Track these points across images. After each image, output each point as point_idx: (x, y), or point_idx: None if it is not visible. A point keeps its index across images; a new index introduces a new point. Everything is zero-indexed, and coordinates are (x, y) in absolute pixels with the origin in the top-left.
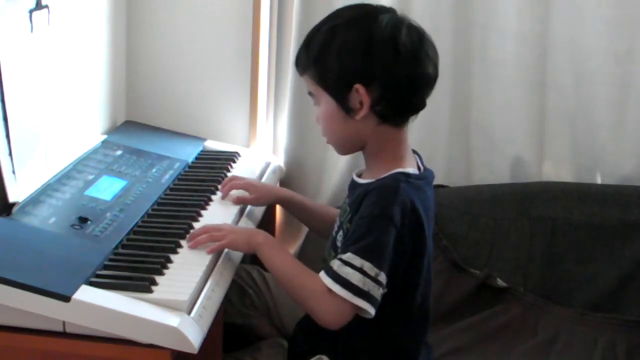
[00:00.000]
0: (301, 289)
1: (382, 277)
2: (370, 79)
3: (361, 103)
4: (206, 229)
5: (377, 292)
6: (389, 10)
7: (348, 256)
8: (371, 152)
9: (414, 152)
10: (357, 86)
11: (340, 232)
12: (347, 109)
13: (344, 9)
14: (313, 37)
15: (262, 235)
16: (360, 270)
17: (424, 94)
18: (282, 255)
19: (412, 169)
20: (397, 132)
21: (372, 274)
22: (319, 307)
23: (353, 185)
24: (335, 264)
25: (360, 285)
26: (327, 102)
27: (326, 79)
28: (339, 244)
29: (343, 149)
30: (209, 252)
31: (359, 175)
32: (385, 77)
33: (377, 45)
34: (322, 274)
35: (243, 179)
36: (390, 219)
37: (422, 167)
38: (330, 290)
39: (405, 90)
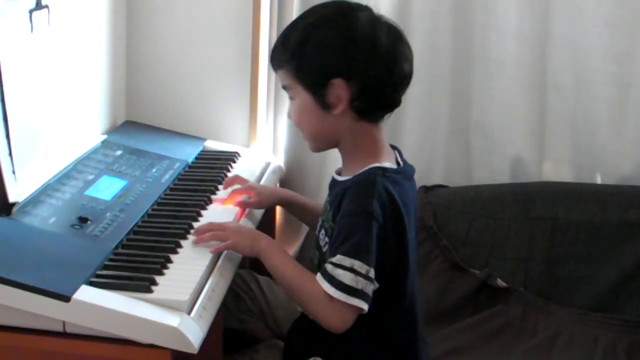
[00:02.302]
0: (302, 294)
1: (372, 273)
2: (349, 75)
3: (338, 99)
4: (211, 226)
5: (370, 289)
6: (365, 9)
7: (338, 258)
8: (347, 148)
9: (394, 147)
10: (336, 81)
11: (322, 231)
12: (323, 105)
13: (321, 6)
14: (290, 33)
15: (265, 239)
16: (351, 269)
17: (400, 92)
18: (284, 260)
19: (388, 164)
20: (373, 128)
21: (363, 271)
22: (321, 311)
23: (333, 183)
24: (329, 268)
25: (353, 284)
26: (303, 98)
27: (304, 73)
28: (321, 242)
29: (317, 145)
30: (212, 252)
31: (339, 173)
32: (363, 74)
33: (357, 43)
34: (319, 277)
35: (245, 182)
36: (370, 215)
37: (401, 162)
38: (328, 294)
39: (382, 88)
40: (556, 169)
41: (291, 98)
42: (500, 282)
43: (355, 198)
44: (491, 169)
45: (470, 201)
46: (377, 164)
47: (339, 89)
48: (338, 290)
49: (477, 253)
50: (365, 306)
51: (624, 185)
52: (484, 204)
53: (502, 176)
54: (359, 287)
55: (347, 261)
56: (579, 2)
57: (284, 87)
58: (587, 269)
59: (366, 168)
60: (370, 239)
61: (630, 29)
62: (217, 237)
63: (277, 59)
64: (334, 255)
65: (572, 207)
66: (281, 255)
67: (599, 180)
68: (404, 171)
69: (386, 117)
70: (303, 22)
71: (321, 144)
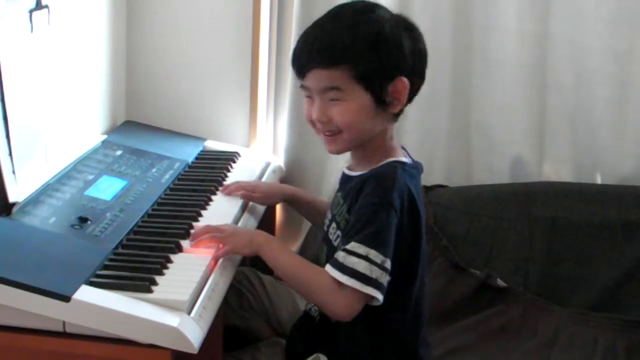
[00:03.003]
0: (309, 285)
1: (388, 264)
2: (412, 73)
3: (396, 97)
4: (207, 229)
5: (385, 279)
6: None
7: (352, 245)
8: (370, 146)
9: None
10: (402, 79)
11: (333, 225)
12: (380, 104)
13: (372, 6)
14: (359, 26)
15: (263, 236)
16: (365, 258)
17: None
18: (285, 254)
19: (404, 159)
20: (393, 126)
21: (378, 261)
22: (329, 300)
23: (345, 178)
24: (340, 255)
25: (367, 273)
26: (359, 97)
27: (372, 71)
28: (331, 237)
29: (348, 147)
30: (213, 259)
31: (349, 169)
32: (419, 72)
33: (418, 42)
34: (329, 267)
35: (249, 183)
36: (390, 206)
37: (411, 159)
38: (338, 282)
39: (419, 86)
40: (556, 169)
41: (335, 99)
42: (500, 282)
43: (375, 189)
44: (491, 169)
45: (470, 201)
46: (395, 158)
47: (401, 87)
48: (351, 278)
49: (477, 253)
50: (380, 296)
51: (624, 185)
52: (484, 204)
53: (502, 176)
54: (374, 276)
55: (362, 249)
56: (579, 2)
57: (328, 89)
58: (587, 269)
59: (385, 162)
60: (388, 230)
61: (630, 29)
62: (215, 239)
63: (339, 55)
64: (348, 243)
65: (572, 207)
66: (282, 249)
67: (599, 180)
68: (417, 167)
69: None
70: (366, 17)
71: (354, 144)
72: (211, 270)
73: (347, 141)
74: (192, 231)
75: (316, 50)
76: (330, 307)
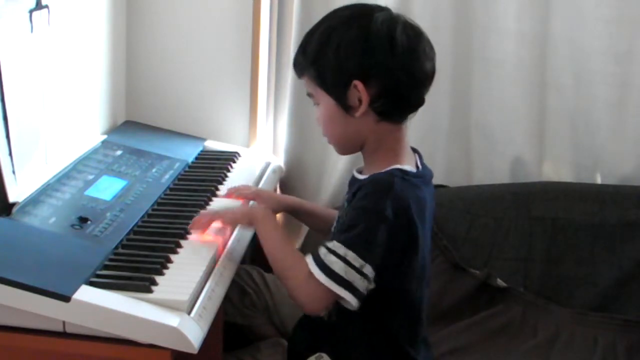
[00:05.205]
0: (286, 270)
1: (368, 270)
2: (368, 75)
3: (360, 100)
4: (208, 213)
5: (362, 285)
6: (384, 9)
7: (333, 244)
8: (370, 149)
9: (414, 150)
10: (356, 82)
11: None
12: (346, 107)
13: (339, 9)
14: (309, 39)
15: (262, 210)
16: (343, 259)
17: (422, 90)
18: (275, 233)
19: (409, 167)
20: (395, 130)
21: (357, 264)
22: (300, 289)
23: (353, 181)
24: (322, 252)
25: (342, 274)
26: (326, 102)
27: (325, 78)
28: None
29: (343, 149)
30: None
31: (359, 172)
32: (382, 73)
33: (374, 42)
34: (309, 259)
35: (249, 188)
36: (381, 214)
37: (420, 166)
38: (312, 274)
39: (402, 87)
40: (556, 169)
41: (316, 104)
42: (500, 282)
43: (369, 194)
44: (491, 169)
45: (470, 201)
46: (398, 166)
47: (358, 91)
48: (324, 275)
49: (477, 253)
50: (353, 300)
51: (624, 185)
52: (484, 204)
53: (502, 176)
54: (348, 278)
55: (341, 250)
56: (579, 2)
57: (309, 95)
58: (587, 269)
59: (387, 169)
60: (373, 237)
61: (630, 29)
62: (214, 217)
63: (299, 66)
64: (331, 241)
65: (572, 207)
66: (274, 228)
67: (599, 180)
68: (423, 175)
69: (410, 117)
70: (322, 26)
71: (346, 147)
72: (219, 255)
73: (334, 146)
74: (194, 218)
75: (293, 61)
76: (298, 295)
